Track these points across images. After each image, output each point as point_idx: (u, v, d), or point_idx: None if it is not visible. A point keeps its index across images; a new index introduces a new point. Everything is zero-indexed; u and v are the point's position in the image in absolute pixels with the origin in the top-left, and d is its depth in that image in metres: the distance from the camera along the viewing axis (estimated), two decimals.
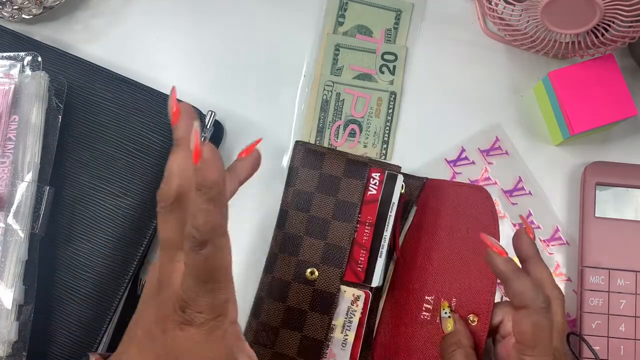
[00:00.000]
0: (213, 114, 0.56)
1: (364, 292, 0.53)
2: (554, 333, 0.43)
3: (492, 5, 0.54)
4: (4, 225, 0.48)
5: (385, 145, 0.59)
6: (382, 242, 0.54)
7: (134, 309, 0.47)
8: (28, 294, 0.48)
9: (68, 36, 0.61)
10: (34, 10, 0.59)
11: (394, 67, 0.61)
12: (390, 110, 0.60)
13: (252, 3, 0.62)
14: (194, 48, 0.61)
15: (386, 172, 0.55)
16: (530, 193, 0.59)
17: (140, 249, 0.52)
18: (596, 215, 0.57)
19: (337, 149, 0.58)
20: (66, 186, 0.52)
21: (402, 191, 0.55)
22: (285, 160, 0.59)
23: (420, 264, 0.53)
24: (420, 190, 0.57)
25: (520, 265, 0.47)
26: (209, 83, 0.61)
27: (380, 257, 0.53)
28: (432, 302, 0.52)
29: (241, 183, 0.40)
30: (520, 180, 0.59)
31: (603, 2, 0.49)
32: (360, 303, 0.52)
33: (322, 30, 0.61)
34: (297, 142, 0.57)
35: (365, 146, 0.59)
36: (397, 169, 0.56)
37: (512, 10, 0.53)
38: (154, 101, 0.54)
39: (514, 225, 0.59)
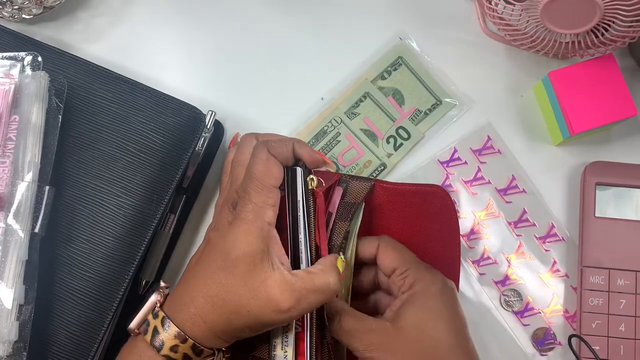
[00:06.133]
0: (213, 114, 0.56)
1: None
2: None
3: (492, 5, 0.54)
4: (4, 225, 0.48)
5: None
6: (300, 247, 0.48)
7: (134, 310, 0.47)
8: (28, 294, 0.48)
9: (68, 36, 0.61)
10: (34, 10, 0.59)
11: (401, 144, 0.60)
12: (372, 177, 0.59)
13: (273, 10, 0.62)
14: (194, 48, 0.61)
15: (289, 168, 0.48)
16: (524, 191, 0.59)
17: (140, 249, 0.52)
18: (596, 215, 0.57)
19: None
20: (66, 186, 0.52)
21: (314, 186, 0.49)
22: None
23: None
24: (367, 194, 0.53)
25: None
26: (209, 83, 0.61)
27: (301, 263, 0.47)
28: None
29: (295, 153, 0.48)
30: (513, 178, 0.59)
31: (603, 2, 0.49)
32: None
33: (362, 72, 0.61)
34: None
35: None
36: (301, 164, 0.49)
37: (512, 10, 0.53)
38: (154, 101, 0.54)
39: (509, 223, 0.59)
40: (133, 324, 0.46)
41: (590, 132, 0.58)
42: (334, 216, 0.51)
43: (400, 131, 0.60)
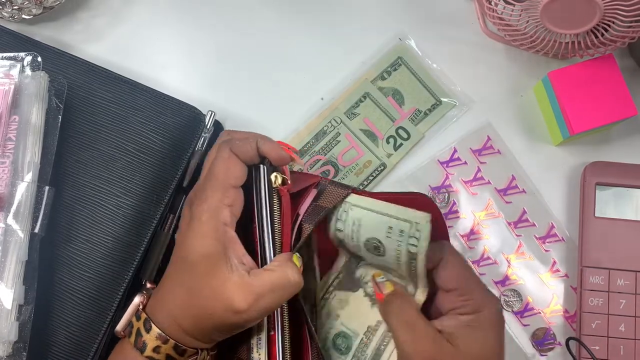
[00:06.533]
0: (213, 114, 0.56)
1: None
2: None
3: (492, 5, 0.54)
4: (4, 226, 0.48)
5: None
6: (265, 246, 0.46)
7: None
8: (28, 294, 0.48)
9: (68, 36, 0.61)
10: (34, 11, 0.59)
11: (401, 144, 0.60)
12: (371, 177, 0.59)
13: (268, 10, 0.62)
14: (194, 48, 0.61)
15: (254, 166, 0.47)
16: (524, 191, 0.59)
17: (140, 249, 0.52)
18: (596, 215, 0.57)
19: None
20: (66, 186, 0.52)
21: (278, 184, 0.47)
22: None
23: None
24: (342, 201, 0.48)
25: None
26: (209, 83, 0.61)
27: (267, 262, 0.46)
28: None
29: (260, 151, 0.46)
30: (513, 178, 0.59)
31: (603, 2, 0.49)
32: (264, 319, 0.46)
33: (362, 72, 0.61)
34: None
35: None
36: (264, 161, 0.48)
37: (512, 10, 0.53)
38: (154, 101, 0.54)
39: (509, 224, 0.59)
40: (119, 327, 0.46)
41: (590, 132, 0.58)
42: (300, 217, 0.48)
43: (400, 131, 0.60)
